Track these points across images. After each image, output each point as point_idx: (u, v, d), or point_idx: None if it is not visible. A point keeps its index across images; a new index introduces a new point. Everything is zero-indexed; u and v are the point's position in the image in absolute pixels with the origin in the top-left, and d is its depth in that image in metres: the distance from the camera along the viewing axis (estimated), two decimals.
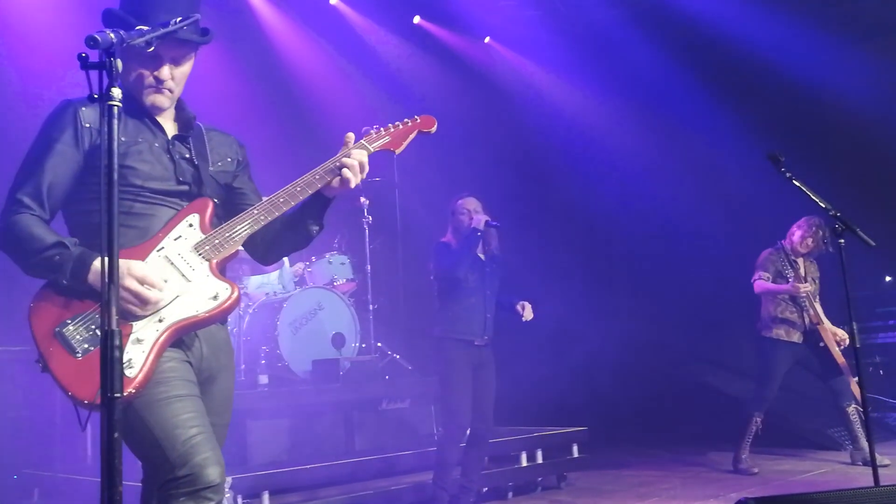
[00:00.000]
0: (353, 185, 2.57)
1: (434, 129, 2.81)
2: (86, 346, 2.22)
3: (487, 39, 9.70)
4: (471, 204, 5.13)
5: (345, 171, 2.56)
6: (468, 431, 4.98)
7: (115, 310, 1.86)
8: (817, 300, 6.49)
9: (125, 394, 2.15)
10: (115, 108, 1.90)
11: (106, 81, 1.91)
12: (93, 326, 2.24)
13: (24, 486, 5.54)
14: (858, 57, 8.15)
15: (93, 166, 2.36)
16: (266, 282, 6.99)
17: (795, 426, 7.66)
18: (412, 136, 2.77)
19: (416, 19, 9.22)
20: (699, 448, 7.38)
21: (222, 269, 2.48)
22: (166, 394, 2.27)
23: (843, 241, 3.97)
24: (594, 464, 6.67)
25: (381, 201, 7.39)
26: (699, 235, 8.72)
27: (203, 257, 2.41)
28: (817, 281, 6.57)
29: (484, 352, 5.02)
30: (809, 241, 6.40)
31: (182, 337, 2.38)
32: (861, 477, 5.81)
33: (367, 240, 7.06)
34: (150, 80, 2.45)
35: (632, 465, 7.13)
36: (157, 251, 2.38)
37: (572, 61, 9.33)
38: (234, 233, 2.46)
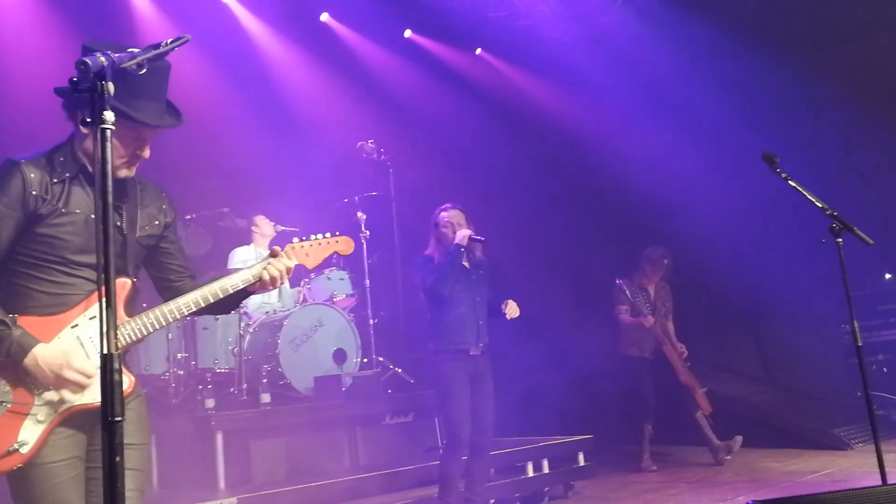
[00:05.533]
0: (270, 289, 2.74)
1: (349, 252, 2.97)
2: None
3: (479, 51, 9.73)
4: (454, 217, 5.03)
5: (265, 273, 2.69)
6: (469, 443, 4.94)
7: (114, 333, 1.85)
8: (670, 319, 7.50)
9: (13, 468, 2.33)
10: (108, 131, 1.89)
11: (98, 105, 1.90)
12: (6, 389, 2.37)
13: None
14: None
15: (31, 232, 2.43)
16: (266, 301, 6.97)
17: (801, 427, 7.65)
18: (327, 254, 2.91)
19: (408, 33, 9.25)
20: (706, 453, 7.35)
21: (123, 358, 2.51)
22: (53, 479, 2.38)
23: (840, 240, 3.97)
24: (601, 472, 6.64)
25: (377, 215, 7.38)
26: (698, 240, 8.70)
27: None
28: (668, 303, 7.54)
29: (480, 360, 4.98)
30: (655, 271, 7.45)
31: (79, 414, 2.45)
32: (868, 476, 5.79)
33: (366, 254, 7.04)
34: (128, 158, 2.52)
35: (639, 471, 7.11)
36: (71, 327, 2.44)
37: (564, 70, 9.34)
38: (143, 326, 2.53)
